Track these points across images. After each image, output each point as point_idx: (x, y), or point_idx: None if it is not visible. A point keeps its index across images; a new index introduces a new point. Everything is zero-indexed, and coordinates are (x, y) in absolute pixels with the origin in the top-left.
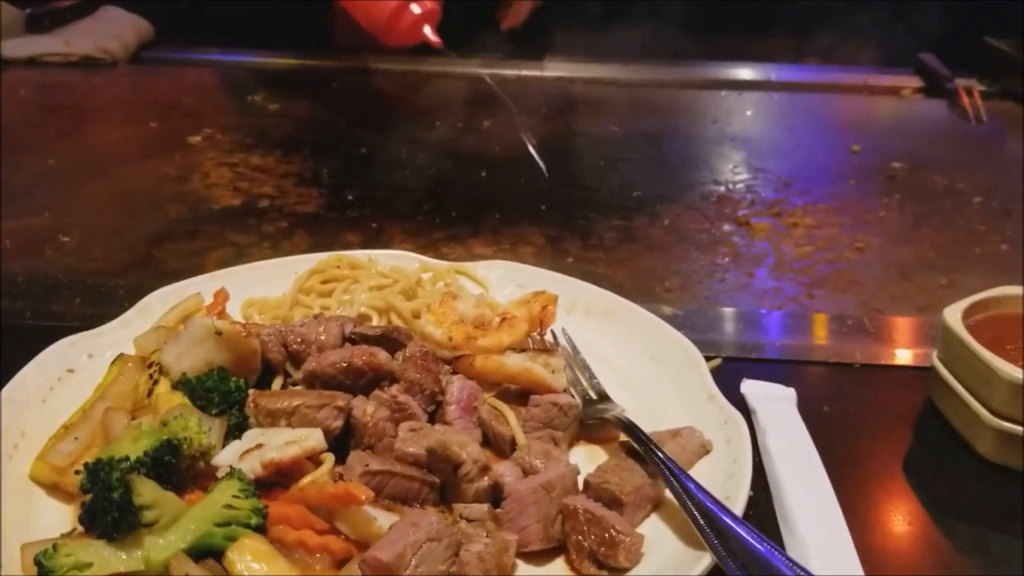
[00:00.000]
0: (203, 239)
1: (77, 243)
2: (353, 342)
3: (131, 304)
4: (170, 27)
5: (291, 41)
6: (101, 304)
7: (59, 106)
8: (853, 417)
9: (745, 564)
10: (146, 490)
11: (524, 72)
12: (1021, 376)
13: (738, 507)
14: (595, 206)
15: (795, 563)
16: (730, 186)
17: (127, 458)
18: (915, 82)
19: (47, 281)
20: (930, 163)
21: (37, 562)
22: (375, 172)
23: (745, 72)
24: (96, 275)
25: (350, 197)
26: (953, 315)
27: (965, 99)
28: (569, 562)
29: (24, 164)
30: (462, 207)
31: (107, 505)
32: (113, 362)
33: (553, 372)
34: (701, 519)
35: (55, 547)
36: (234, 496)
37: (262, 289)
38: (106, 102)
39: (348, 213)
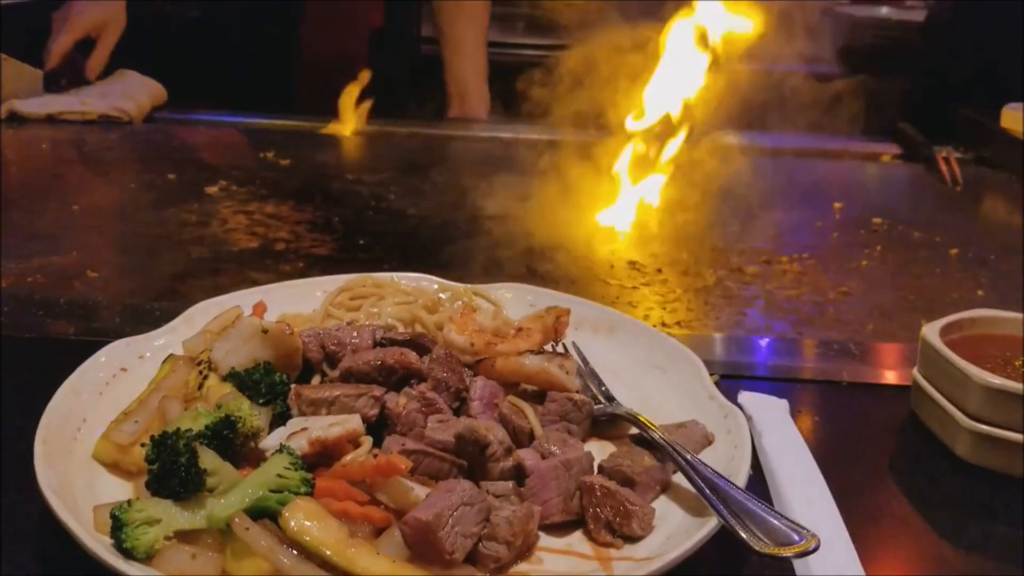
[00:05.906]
0: (225, 276)
1: (105, 278)
2: (383, 346)
3: (167, 323)
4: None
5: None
6: (140, 323)
7: (78, 159)
8: (841, 427)
9: (748, 525)
10: (208, 458)
11: (522, 136)
12: (993, 381)
13: (739, 483)
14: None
15: (796, 523)
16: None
17: (191, 429)
18: (894, 149)
19: (87, 303)
20: (909, 220)
21: (113, 515)
22: (385, 220)
23: (731, 139)
24: (133, 298)
25: (362, 242)
26: (932, 331)
27: (942, 165)
28: (587, 533)
29: (48, 210)
30: (463, 253)
31: (175, 468)
32: (164, 361)
33: (567, 373)
34: (706, 488)
35: (129, 503)
36: (285, 468)
37: (293, 306)
38: (124, 155)
39: (360, 256)
